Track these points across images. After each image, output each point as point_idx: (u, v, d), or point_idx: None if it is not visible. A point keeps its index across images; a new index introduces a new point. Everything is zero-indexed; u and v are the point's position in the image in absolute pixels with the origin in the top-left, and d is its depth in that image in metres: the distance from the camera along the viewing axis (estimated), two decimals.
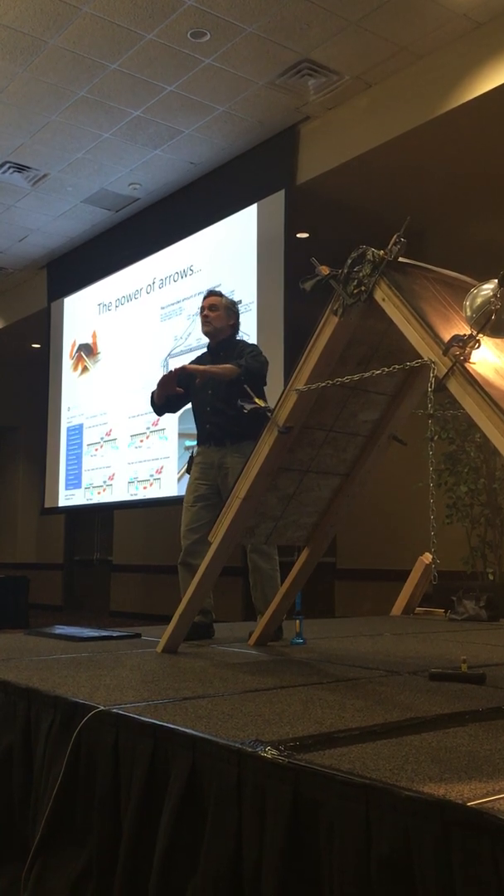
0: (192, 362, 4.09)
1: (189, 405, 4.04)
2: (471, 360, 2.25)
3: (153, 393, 3.95)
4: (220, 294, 4.04)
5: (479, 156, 5.77)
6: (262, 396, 3.35)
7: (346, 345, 2.72)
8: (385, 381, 2.91)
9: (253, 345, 4.04)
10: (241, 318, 6.80)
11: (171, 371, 3.80)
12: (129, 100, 6.09)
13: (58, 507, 9.19)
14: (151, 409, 4.10)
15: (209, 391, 3.83)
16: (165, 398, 3.91)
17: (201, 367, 3.80)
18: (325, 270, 2.63)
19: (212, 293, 4.05)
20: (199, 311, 4.09)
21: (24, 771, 2.18)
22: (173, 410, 4.14)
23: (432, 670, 2.59)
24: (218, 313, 3.93)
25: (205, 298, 4.03)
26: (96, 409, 8.58)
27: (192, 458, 3.96)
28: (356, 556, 7.48)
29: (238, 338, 4.09)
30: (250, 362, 3.71)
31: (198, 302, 4.18)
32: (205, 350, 4.09)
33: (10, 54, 5.55)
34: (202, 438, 3.92)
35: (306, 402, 2.81)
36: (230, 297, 4.13)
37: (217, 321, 3.94)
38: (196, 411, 3.97)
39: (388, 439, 3.16)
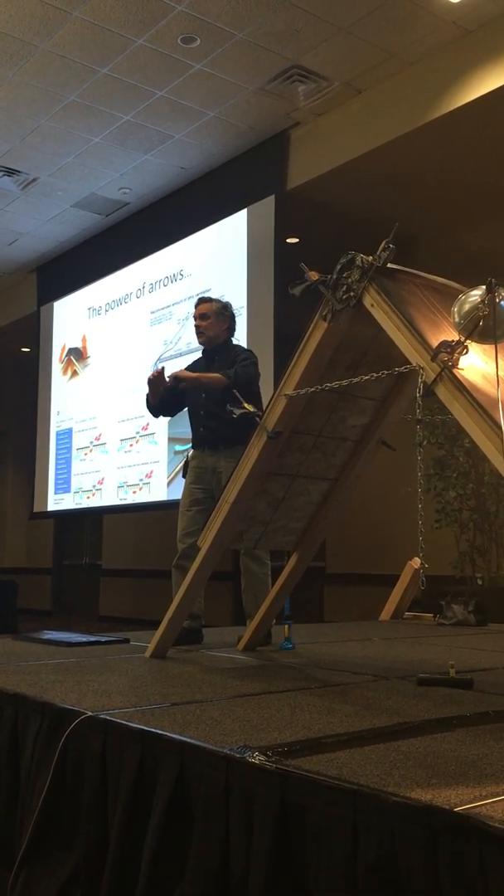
0: (188, 367, 4.09)
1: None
2: (459, 366, 2.26)
3: (148, 395, 3.95)
4: (209, 300, 4.02)
5: (469, 162, 5.80)
6: (256, 403, 3.35)
7: (335, 350, 2.73)
8: (374, 386, 2.92)
9: (247, 352, 4.00)
10: None
11: (156, 370, 3.82)
12: (119, 104, 6.09)
13: (47, 512, 9.16)
14: (147, 412, 4.11)
15: (203, 394, 3.83)
16: (160, 398, 3.91)
17: (191, 375, 3.80)
18: (314, 276, 2.64)
19: (202, 300, 4.02)
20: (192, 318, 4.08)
21: (11, 777, 2.17)
22: (170, 414, 4.13)
23: (420, 675, 2.59)
24: (209, 321, 3.92)
25: (196, 307, 4.01)
26: (86, 413, 8.56)
27: (186, 461, 3.96)
28: (345, 561, 7.49)
29: (234, 341, 4.08)
30: (240, 372, 3.71)
31: (188, 306, 4.18)
32: (200, 355, 4.09)
33: None
34: (197, 442, 3.92)
35: (295, 407, 2.81)
36: (221, 300, 4.09)
37: (210, 330, 3.93)
38: (191, 414, 3.97)
39: (377, 444, 3.17)
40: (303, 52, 5.44)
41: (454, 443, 5.76)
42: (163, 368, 3.84)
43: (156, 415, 4.14)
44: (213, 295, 6.83)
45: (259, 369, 3.92)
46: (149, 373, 3.95)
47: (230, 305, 4.07)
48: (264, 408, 2.93)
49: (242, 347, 4.08)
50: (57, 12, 5.10)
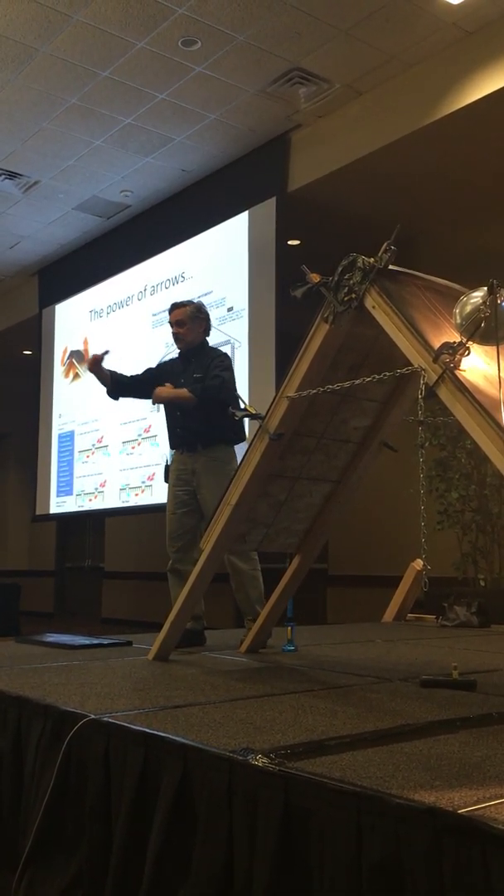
0: (166, 364, 4.13)
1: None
2: (461, 368, 2.26)
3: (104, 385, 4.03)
4: (182, 304, 4.01)
5: (470, 164, 5.80)
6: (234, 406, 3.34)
7: (337, 352, 2.73)
8: (376, 387, 2.92)
9: (220, 358, 3.97)
10: (234, 325, 6.85)
11: (93, 358, 3.90)
12: (120, 107, 6.10)
13: (49, 514, 9.16)
14: (144, 412, 4.17)
15: None
16: (114, 383, 3.99)
17: (166, 395, 3.84)
18: (315, 278, 2.64)
19: (175, 306, 4.01)
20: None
21: (15, 779, 2.17)
22: (129, 394, 4.14)
23: (423, 677, 2.59)
24: (186, 327, 3.93)
25: (170, 313, 4.00)
26: (88, 415, 8.57)
27: (167, 466, 3.98)
28: (347, 563, 7.49)
29: (226, 343, 4.11)
30: (207, 389, 3.72)
31: None
32: (176, 356, 4.11)
33: (1, 62, 5.56)
34: (174, 443, 3.94)
35: (297, 409, 2.82)
36: (194, 302, 4.09)
37: (188, 335, 3.94)
38: (167, 415, 3.98)
39: (379, 446, 3.17)
40: (303, 55, 5.44)
41: (456, 444, 5.76)
42: (102, 354, 3.92)
43: (115, 396, 4.14)
44: (215, 297, 6.85)
45: (233, 372, 3.94)
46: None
47: (203, 306, 4.08)
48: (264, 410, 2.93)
49: (217, 351, 4.06)
50: (58, 16, 5.11)
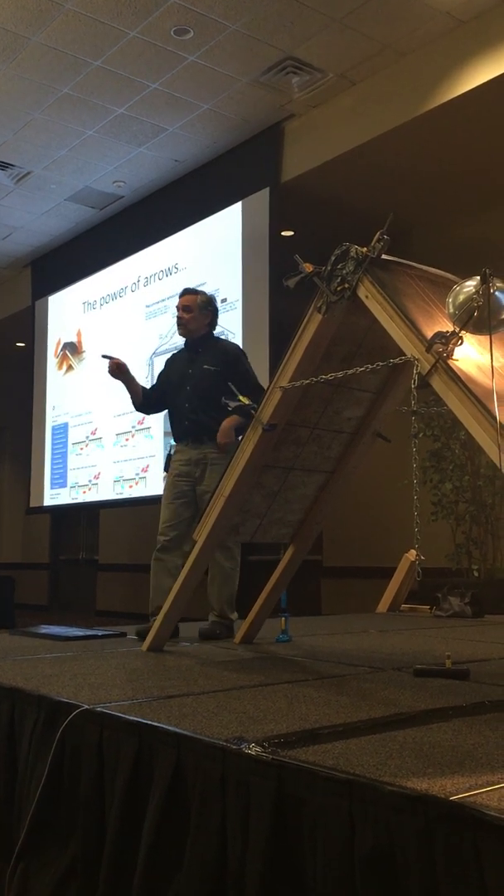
0: (169, 360, 4.12)
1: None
2: (454, 357, 2.26)
3: (131, 396, 4.02)
4: (194, 292, 4.00)
5: (463, 153, 5.80)
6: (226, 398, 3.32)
7: (331, 342, 2.73)
8: (369, 378, 2.92)
9: (241, 357, 3.96)
10: (227, 316, 6.83)
11: (112, 363, 3.88)
12: (112, 97, 6.07)
13: (43, 507, 9.16)
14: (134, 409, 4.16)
15: (188, 387, 3.83)
16: (144, 399, 3.99)
17: (230, 435, 3.76)
18: (308, 268, 2.63)
19: (186, 292, 4.01)
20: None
21: (8, 770, 2.17)
22: (156, 410, 4.14)
23: (417, 666, 2.60)
24: (192, 314, 3.91)
25: (179, 298, 4.00)
26: (81, 407, 8.55)
27: (169, 455, 3.97)
28: (342, 554, 7.50)
29: (220, 334, 4.09)
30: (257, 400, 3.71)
31: None
32: (181, 347, 4.09)
33: None
34: (180, 436, 3.92)
35: (291, 400, 2.81)
36: (206, 293, 4.08)
37: (191, 322, 3.92)
38: (174, 408, 3.96)
39: (373, 436, 3.17)
40: (297, 44, 5.42)
41: (450, 435, 5.77)
42: (113, 362, 3.90)
43: (146, 412, 4.18)
44: (208, 289, 6.83)
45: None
46: (144, 368, 3.98)
47: (214, 299, 4.07)
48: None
49: (231, 345, 4.05)
50: (49, 4, 5.07)
